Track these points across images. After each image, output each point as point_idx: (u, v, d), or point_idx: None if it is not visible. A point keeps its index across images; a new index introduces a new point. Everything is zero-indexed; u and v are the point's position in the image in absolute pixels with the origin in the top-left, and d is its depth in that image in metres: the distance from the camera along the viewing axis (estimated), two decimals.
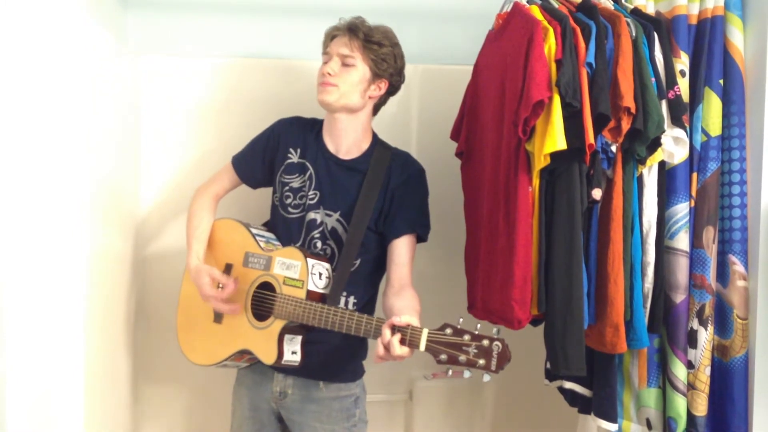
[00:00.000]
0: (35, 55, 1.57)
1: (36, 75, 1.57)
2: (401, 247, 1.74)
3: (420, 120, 2.29)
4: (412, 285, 1.72)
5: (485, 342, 1.38)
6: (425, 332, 1.41)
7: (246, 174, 1.89)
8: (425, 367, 2.35)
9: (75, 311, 1.64)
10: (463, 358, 1.38)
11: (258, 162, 1.87)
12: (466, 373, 1.40)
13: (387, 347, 1.43)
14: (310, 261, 1.66)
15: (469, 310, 1.88)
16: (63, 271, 1.62)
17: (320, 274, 1.67)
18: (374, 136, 1.85)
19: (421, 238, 1.80)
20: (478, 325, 1.42)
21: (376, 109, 1.85)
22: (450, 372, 1.40)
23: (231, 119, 2.17)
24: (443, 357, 1.39)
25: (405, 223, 1.75)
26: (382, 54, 1.75)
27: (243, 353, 1.72)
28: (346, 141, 1.80)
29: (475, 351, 1.38)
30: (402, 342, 1.42)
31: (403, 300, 1.63)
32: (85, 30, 1.70)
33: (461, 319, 1.44)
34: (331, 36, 1.79)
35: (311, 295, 1.63)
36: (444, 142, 2.06)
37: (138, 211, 2.17)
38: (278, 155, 1.84)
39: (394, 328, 1.43)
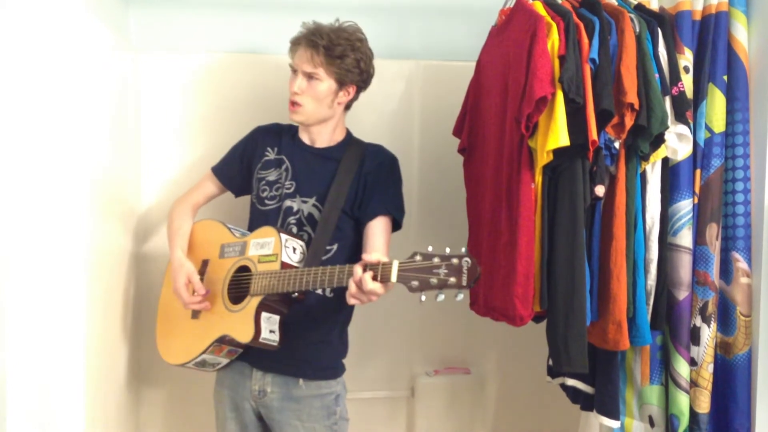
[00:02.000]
0: (36, 51, 1.57)
1: (37, 71, 1.57)
2: (376, 229, 1.74)
3: (422, 116, 2.28)
4: None
5: (454, 260, 1.37)
6: (395, 264, 1.41)
7: (226, 179, 1.93)
8: (427, 363, 2.35)
9: (75, 307, 1.64)
10: (434, 280, 1.37)
11: (236, 166, 1.91)
12: (440, 296, 1.38)
13: (359, 284, 1.43)
14: (284, 236, 1.67)
15: (471, 306, 1.88)
16: (63, 267, 1.62)
17: (294, 249, 1.68)
18: (348, 132, 1.88)
19: (396, 223, 1.79)
20: (447, 249, 1.40)
21: (347, 107, 1.86)
22: (423, 297, 1.38)
23: (232, 115, 2.17)
24: (414, 284, 1.38)
25: (379, 204, 1.76)
26: (345, 65, 1.74)
27: (221, 342, 1.71)
28: (320, 136, 1.84)
29: (446, 271, 1.37)
30: (374, 278, 1.42)
31: None
32: (86, 26, 1.70)
33: (430, 247, 1.43)
34: (294, 48, 1.79)
35: (285, 267, 1.63)
36: (446, 138, 2.06)
37: (139, 206, 2.17)
38: (255, 157, 1.88)
39: (366, 267, 1.44)
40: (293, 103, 1.77)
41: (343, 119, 1.87)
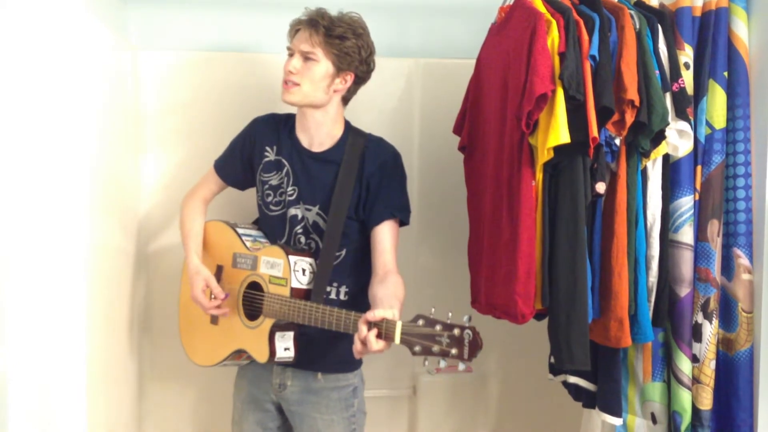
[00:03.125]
0: (36, 50, 1.57)
1: (36, 70, 1.57)
2: (383, 234, 1.73)
3: (422, 114, 2.28)
4: (398, 271, 1.70)
5: (456, 331, 1.38)
6: (399, 325, 1.41)
7: (229, 176, 1.92)
8: (428, 362, 2.35)
9: (76, 307, 1.64)
10: (436, 348, 1.38)
11: (237, 163, 1.89)
12: (442, 363, 1.39)
13: (364, 342, 1.44)
14: (292, 258, 1.68)
15: (472, 304, 1.88)
16: (63, 266, 1.62)
17: (303, 270, 1.69)
18: (347, 124, 1.84)
19: (402, 222, 1.79)
20: (450, 314, 1.41)
21: (346, 101, 1.83)
22: (426, 362, 1.40)
23: (232, 113, 2.16)
24: (417, 348, 1.39)
25: (384, 209, 1.74)
26: (345, 48, 1.71)
27: (240, 353, 1.75)
28: (318, 133, 1.80)
29: (448, 341, 1.38)
30: (378, 336, 1.43)
31: (386, 288, 1.62)
32: (86, 26, 1.70)
33: (433, 309, 1.43)
34: (294, 30, 1.77)
35: (295, 293, 1.65)
36: (447, 136, 2.06)
37: (140, 205, 2.17)
38: (255, 154, 1.86)
39: (370, 324, 1.44)
40: (287, 83, 1.73)
41: (341, 112, 1.82)
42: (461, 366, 1.38)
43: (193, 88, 2.19)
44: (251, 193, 1.93)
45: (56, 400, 1.62)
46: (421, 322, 1.41)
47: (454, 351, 1.37)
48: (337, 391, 1.78)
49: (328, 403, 1.77)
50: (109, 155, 1.88)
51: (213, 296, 1.75)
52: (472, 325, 1.38)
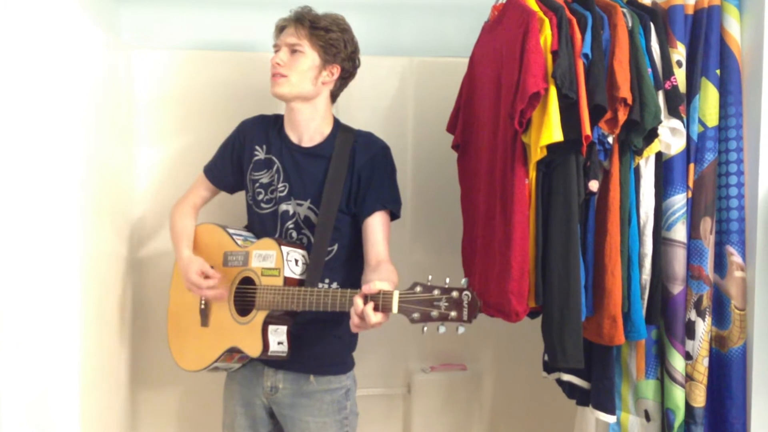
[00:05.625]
0: (28, 50, 1.56)
1: (28, 70, 1.56)
2: (374, 225, 1.74)
3: (416, 113, 2.28)
4: (391, 261, 1.71)
5: (455, 294, 1.37)
6: (396, 294, 1.41)
7: (218, 180, 1.91)
8: (423, 360, 2.35)
9: (70, 311, 1.64)
10: (435, 313, 1.37)
11: (227, 166, 1.89)
12: (441, 329, 1.38)
13: (361, 316, 1.43)
14: (285, 249, 1.67)
15: None
16: (57, 271, 1.61)
17: (296, 261, 1.68)
18: (336, 121, 1.85)
19: (394, 215, 1.79)
20: (447, 279, 1.41)
21: (334, 97, 1.84)
22: (425, 329, 1.39)
23: (225, 112, 2.16)
24: (416, 316, 1.39)
25: (375, 200, 1.75)
26: (330, 39, 1.74)
27: (232, 352, 1.73)
28: (308, 130, 1.81)
29: (446, 304, 1.37)
30: (375, 308, 1.42)
31: (379, 273, 1.62)
32: (78, 24, 1.69)
33: (430, 277, 1.43)
34: (280, 28, 1.80)
35: (288, 282, 1.64)
36: (440, 134, 2.06)
37: (132, 208, 2.16)
38: (245, 155, 1.86)
39: (367, 297, 1.43)
40: (274, 76, 1.75)
41: (330, 109, 1.84)
42: (461, 329, 1.37)
43: (186, 87, 2.18)
44: (240, 197, 1.93)
45: (50, 403, 1.61)
46: (418, 288, 1.40)
47: (453, 314, 1.37)
48: (329, 393, 1.77)
49: (321, 405, 1.76)
50: (101, 156, 1.87)
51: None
52: (469, 287, 1.38)
